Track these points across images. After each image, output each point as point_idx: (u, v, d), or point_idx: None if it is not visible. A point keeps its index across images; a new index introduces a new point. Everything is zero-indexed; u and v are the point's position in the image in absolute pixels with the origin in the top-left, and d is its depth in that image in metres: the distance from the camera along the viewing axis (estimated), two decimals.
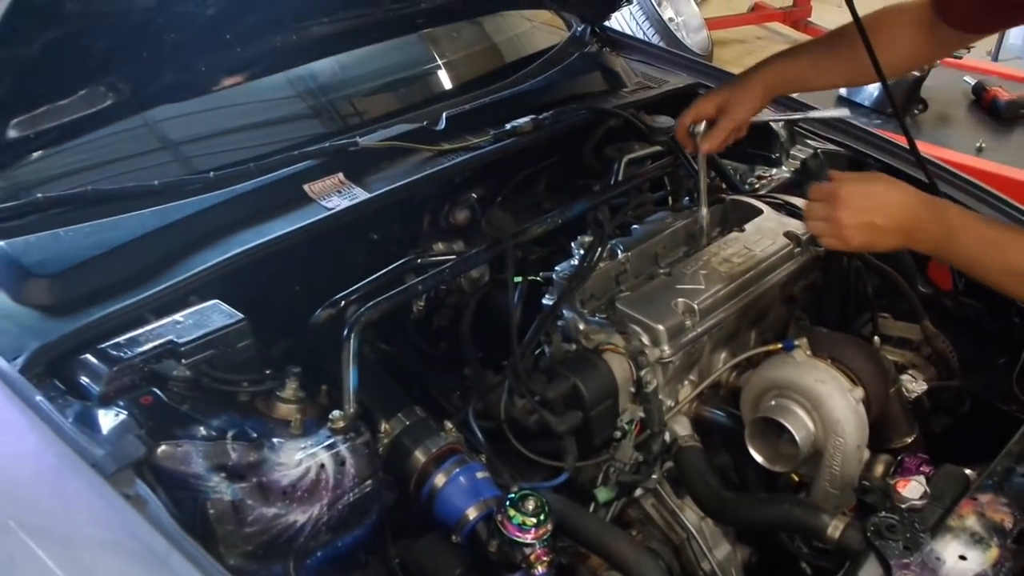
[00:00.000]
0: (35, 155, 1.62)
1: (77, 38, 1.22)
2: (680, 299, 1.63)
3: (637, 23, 5.09)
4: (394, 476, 1.48)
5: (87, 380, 1.35)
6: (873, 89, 3.25)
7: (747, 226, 1.88)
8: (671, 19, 5.36)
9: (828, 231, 1.44)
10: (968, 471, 1.46)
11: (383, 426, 1.49)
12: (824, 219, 1.44)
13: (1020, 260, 1.36)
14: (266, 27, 1.56)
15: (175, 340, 1.41)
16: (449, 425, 1.49)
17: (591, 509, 1.56)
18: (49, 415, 1.25)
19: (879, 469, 1.56)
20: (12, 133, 1.31)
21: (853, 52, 1.70)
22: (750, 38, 6.80)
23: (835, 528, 1.34)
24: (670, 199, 2.13)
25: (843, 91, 3.26)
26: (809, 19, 6.65)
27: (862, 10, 1.73)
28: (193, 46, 1.43)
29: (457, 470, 1.45)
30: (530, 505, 1.31)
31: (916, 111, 3.21)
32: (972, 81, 3.40)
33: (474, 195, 2.04)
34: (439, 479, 1.44)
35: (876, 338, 1.83)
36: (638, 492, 1.62)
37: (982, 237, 1.39)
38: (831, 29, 1.85)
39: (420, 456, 1.46)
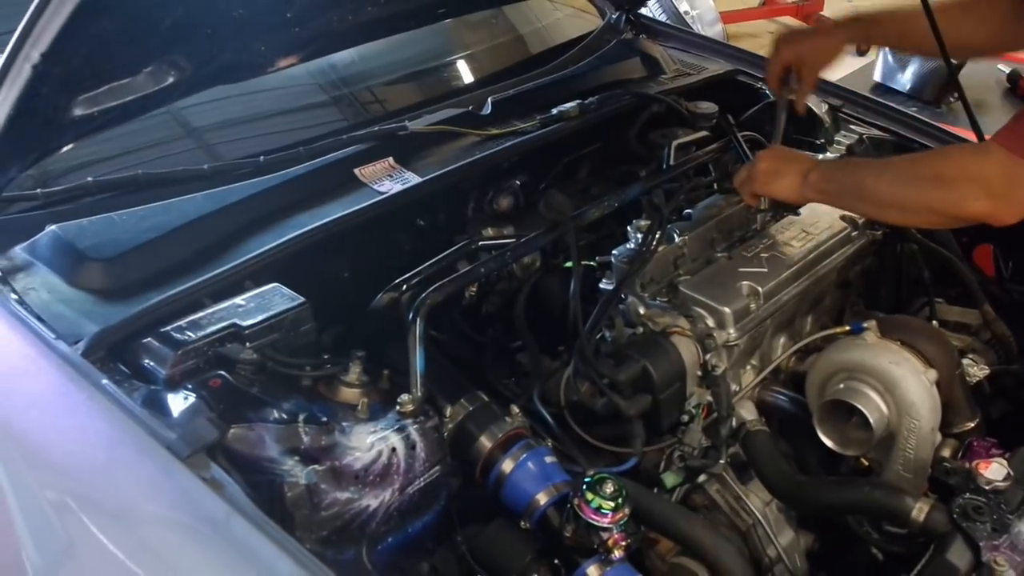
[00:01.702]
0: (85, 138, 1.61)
1: (148, 12, 1.18)
2: (745, 282, 1.61)
3: (653, 16, 5.06)
4: (459, 462, 1.45)
5: (152, 363, 1.33)
6: (908, 78, 3.23)
7: (802, 210, 1.85)
8: (686, 12, 5.33)
9: (747, 186, 1.71)
10: None
11: (447, 411, 1.46)
12: (745, 177, 1.71)
13: (873, 186, 1.51)
14: (323, 7, 1.52)
15: (238, 323, 1.39)
16: (515, 409, 1.46)
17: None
18: (118, 398, 1.23)
19: (947, 453, 1.54)
20: (77, 111, 1.28)
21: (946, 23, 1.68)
22: (762, 32, 6.77)
23: (919, 511, 1.31)
24: (716, 184, 2.10)
25: (879, 77, 3.24)
26: (821, 13, 6.63)
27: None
28: (255, 24, 1.40)
29: (525, 455, 1.41)
30: (608, 488, 1.28)
31: (952, 99, 3.19)
32: (1007, 69, 3.39)
33: (517, 182, 2.02)
34: (506, 465, 1.41)
35: (934, 322, 1.80)
36: (701, 478, 1.59)
37: (850, 172, 1.61)
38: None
39: (486, 442, 1.43)
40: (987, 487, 1.30)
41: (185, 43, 1.33)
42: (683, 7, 5.32)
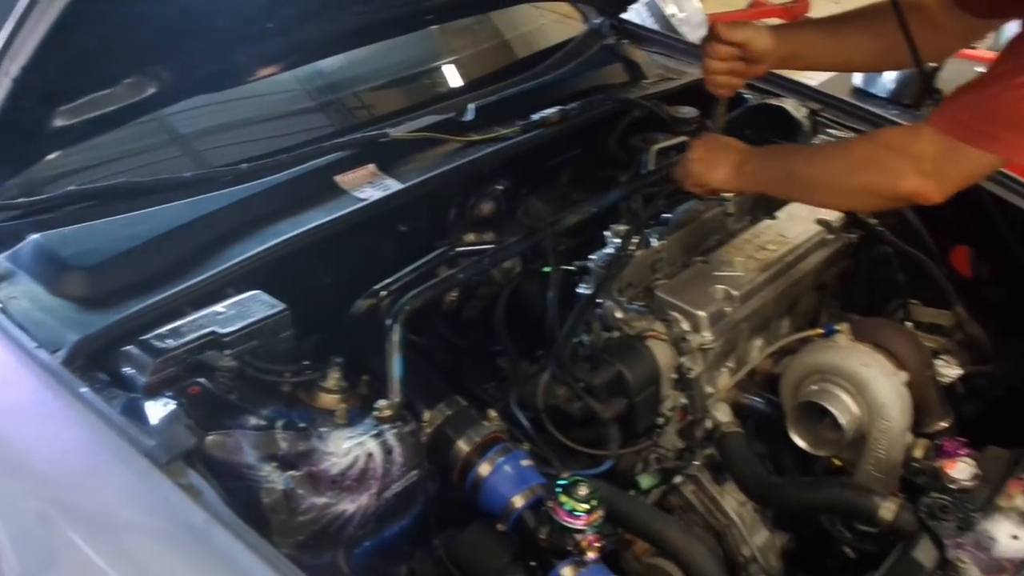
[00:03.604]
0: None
1: (128, 25, 1.20)
2: (719, 286, 1.63)
3: (640, 18, 5.08)
4: (436, 466, 1.47)
5: (131, 371, 1.34)
6: (889, 80, 3.24)
7: (778, 213, 1.88)
8: (673, 15, 5.35)
9: (681, 174, 1.73)
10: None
11: (425, 416, 1.48)
12: (681, 167, 1.73)
13: (804, 171, 1.53)
14: (304, 16, 1.54)
15: (218, 331, 1.40)
16: (493, 413, 1.48)
17: None
18: (97, 406, 1.24)
19: (918, 453, 1.56)
20: (57, 123, 1.29)
21: (874, 34, 1.69)
22: None
23: (887, 510, 1.34)
24: None
25: (858, 82, 3.25)
26: (807, 15, 6.65)
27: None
28: (236, 34, 1.42)
29: (501, 459, 1.43)
30: (582, 491, 1.30)
31: (930, 102, 3.22)
32: (984, 70, 3.42)
33: (499, 187, 2.04)
34: (483, 468, 1.43)
35: (908, 324, 1.83)
36: (677, 479, 1.62)
37: (781, 159, 1.63)
38: (854, 9, 1.82)
39: (463, 446, 1.45)
40: (953, 486, 1.33)
41: (166, 54, 1.35)
42: (670, 9, 5.34)
